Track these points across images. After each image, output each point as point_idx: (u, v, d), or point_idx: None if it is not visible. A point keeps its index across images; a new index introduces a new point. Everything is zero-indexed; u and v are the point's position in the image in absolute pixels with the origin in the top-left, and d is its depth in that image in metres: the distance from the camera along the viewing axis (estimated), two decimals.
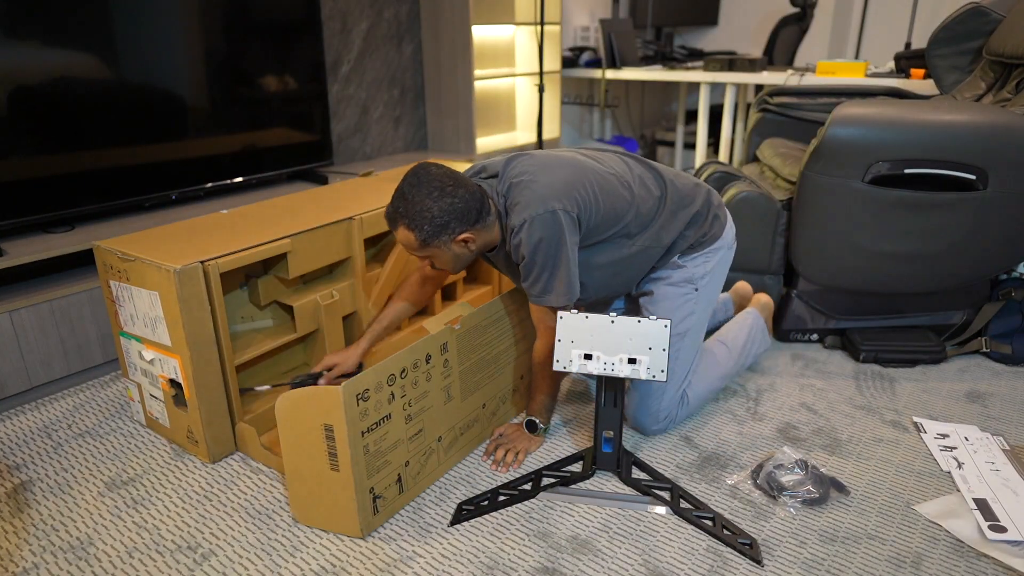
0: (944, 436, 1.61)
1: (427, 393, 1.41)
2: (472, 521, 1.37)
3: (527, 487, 1.45)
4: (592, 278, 1.54)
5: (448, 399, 1.48)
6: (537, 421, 1.59)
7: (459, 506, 1.40)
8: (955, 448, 1.56)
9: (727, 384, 1.79)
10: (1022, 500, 1.37)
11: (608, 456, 1.49)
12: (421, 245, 1.36)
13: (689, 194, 1.58)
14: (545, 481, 1.47)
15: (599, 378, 1.44)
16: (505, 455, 1.55)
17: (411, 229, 1.34)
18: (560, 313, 1.40)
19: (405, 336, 2.00)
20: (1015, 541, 1.26)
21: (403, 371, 1.34)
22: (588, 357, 1.39)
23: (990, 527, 1.29)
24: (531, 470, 1.51)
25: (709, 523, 1.34)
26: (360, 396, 1.24)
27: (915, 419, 1.69)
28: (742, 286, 2.12)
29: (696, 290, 1.62)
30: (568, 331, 1.40)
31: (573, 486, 1.46)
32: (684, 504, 1.40)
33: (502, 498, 1.42)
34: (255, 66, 2.40)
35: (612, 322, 1.39)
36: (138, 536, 1.34)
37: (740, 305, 2.10)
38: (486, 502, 1.41)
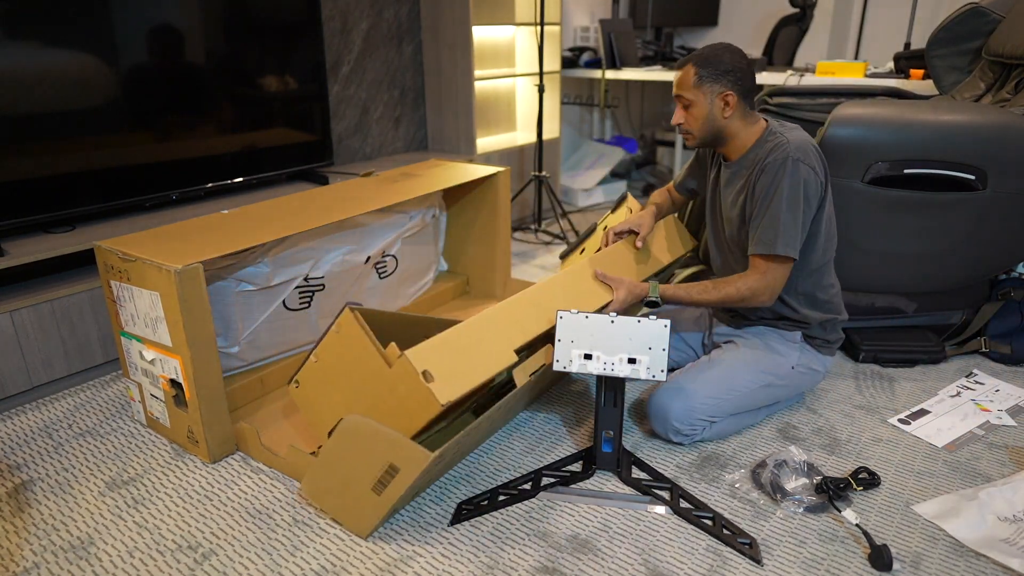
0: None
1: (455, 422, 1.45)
2: (472, 521, 1.37)
3: (527, 487, 1.45)
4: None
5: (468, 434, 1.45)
6: (657, 291, 1.59)
7: (459, 506, 1.40)
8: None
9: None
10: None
11: (608, 456, 1.49)
12: (696, 82, 1.53)
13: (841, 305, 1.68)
14: (545, 481, 1.47)
15: (599, 378, 1.44)
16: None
17: (697, 66, 1.53)
18: (560, 313, 1.40)
19: None
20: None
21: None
22: (588, 357, 1.39)
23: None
24: (531, 470, 1.52)
25: (709, 523, 1.34)
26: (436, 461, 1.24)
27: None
28: None
29: (792, 368, 1.64)
30: (568, 331, 1.40)
31: (573, 486, 1.46)
32: (684, 504, 1.40)
33: (502, 498, 1.42)
34: (255, 66, 2.40)
35: (612, 322, 1.39)
36: (138, 536, 1.34)
37: None
38: (486, 502, 1.41)
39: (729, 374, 1.59)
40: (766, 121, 1.59)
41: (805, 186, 1.47)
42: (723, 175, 1.66)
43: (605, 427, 1.47)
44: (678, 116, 1.60)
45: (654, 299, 1.61)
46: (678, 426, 1.55)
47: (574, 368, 1.40)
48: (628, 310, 1.77)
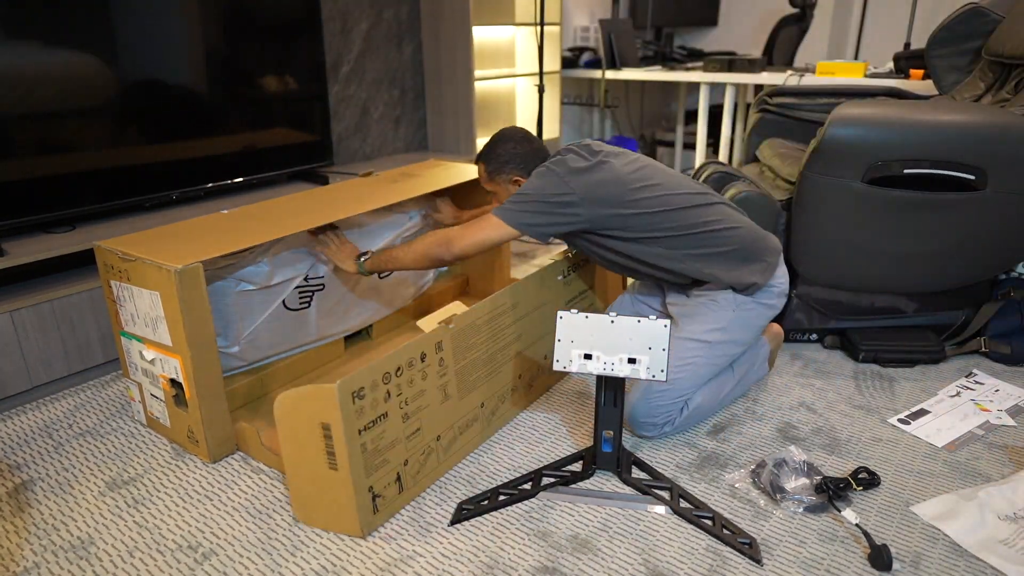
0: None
1: (424, 392, 1.42)
2: (472, 521, 1.37)
3: (527, 487, 1.45)
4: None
5: (445, 398, 1.48)
6: (362, 259, 1.74)
7: (459, 505, 1.40)
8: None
9: (721, 409, 1.76)
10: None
11: (608, 455, 1.49)
12: (487, 178, 1.74)
13: (760, 250, 1.65)
14: (545, 481, 1.48)
15: (599, 378, 1.44)
16: (329, 246, 1.78)
17: (483, 160, 1.74)
18: (560, 313, 1.40)
19: (402, 337, 2.01)
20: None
21: (398, 369, 1.34)
22: (588, 357, 1.39)
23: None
24: (531, 470, 1.52)
25: (709, 522, 1.34)
26: (356, 394, 1.24)
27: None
28: (775, 328, 1.99)
29: (733, 310, 1.64)
30: (568, 330, 1.40)
31: (573, 486, 1.46)
32: (684, 504, 1.40)
33: (502, 497, 1.42)
34: (255, 66, 2.40)
35: (612, 322, 1.39)
36: (139, 536, 1.34)
37: None
38: (486, 501, 1.41)
39: (674, 351, 1.59)
40: None
41: (547, 179, 1.56)
42: None
43: (605, 427, 1.47)
44: (493, 203, 1.79)
45: (363, 259, 1.74)
46: (645, 420, 1.58)
47: (574, 368, 1.40)
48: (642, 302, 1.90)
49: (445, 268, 2.54)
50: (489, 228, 1.58)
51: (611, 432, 1.48)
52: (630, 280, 2.13)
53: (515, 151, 1.69)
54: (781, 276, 1.69)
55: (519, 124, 3.76)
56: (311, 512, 1.35)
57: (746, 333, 1.67)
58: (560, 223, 1.57)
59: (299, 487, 1.33)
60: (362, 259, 1.75)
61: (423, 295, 2.33)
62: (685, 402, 1.62)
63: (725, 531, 1.32)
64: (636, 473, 1.50)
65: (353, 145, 3.05)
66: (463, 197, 2.38)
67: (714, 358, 1.63)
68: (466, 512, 1.38)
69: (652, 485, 1.46)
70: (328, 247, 1.80)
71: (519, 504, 1.42)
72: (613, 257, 1.66)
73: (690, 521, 1.35)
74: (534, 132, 3.42)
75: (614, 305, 1.98)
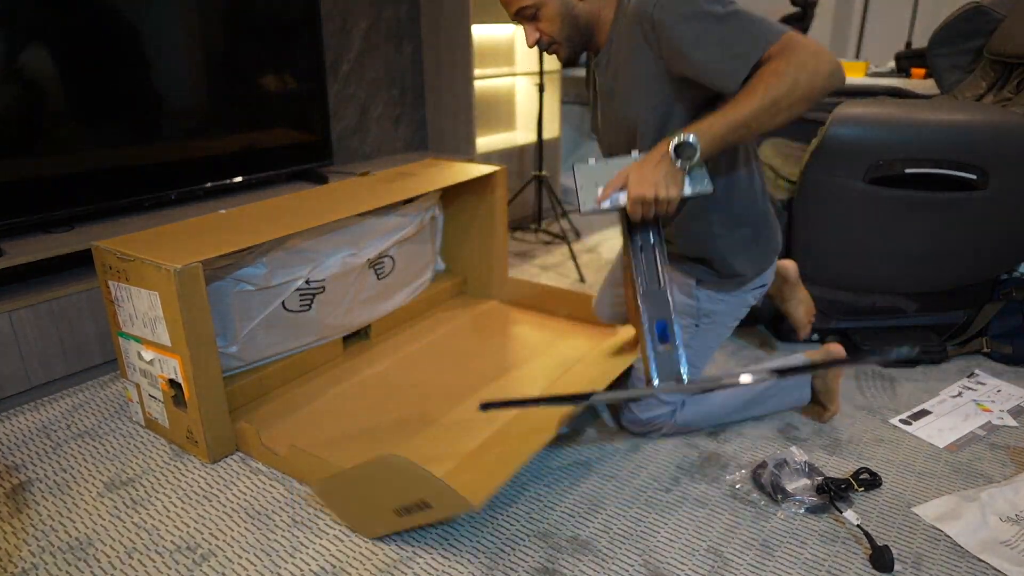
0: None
1: None
2: (472, 521, 1.37)
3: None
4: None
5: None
6: (692, 139, 1.12)
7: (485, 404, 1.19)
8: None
9: (739, 420, 1.67)
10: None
11: (666, 354, 1.16)
12: None
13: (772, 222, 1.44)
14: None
15: (630, 232, 1.17)
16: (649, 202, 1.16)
17: None
18: (574, 165, 1.15)
19: (401, 337, 2.00)
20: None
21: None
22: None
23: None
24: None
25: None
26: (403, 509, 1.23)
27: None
28: (785, 266, 1.76)
29: (696, 326, 1.51)
30: (587, 177, 1.17)
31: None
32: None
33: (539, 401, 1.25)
34: (255, 66, 2.39)
35: (608, 164, 1.19)
36: (137, 536, 1.34)
37: (775, 287, 1.77)
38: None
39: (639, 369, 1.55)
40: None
41: None
42: (600, 78, 1.34)
43: (653, 312, 1.15)
44: (531, 35, 1.31)
45: (679, 139, 1.13)
46: (635, 420, 1.56)
47: (607, 204, 1.12)
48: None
49: (442, 268, 2.53)
50: (799, 40, 1.11)
51: (664, 315, 1.17)
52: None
53: None
54: (768, 275, 1.52)
55: (519, 124, 3.75)
56: (333, 499, 1.34)
57: (715, 341, 1.55)
58: None
59: (345, 486, 1.30)
60: (674, 140, 1.14)
61: (421, 295, 2.32)
62: (673, 411, 1.57)
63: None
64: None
65: (353, 145, 3.05)
66: (463, 197, 2.37)
67: (697, 349, 1.53)
68: (492, 405, 1.19)
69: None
70: (637, 203, 1.16)
71: (519, 504, 1.41)
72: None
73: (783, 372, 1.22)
74: (534, 131, 3.41)
75: (608, 294, 1.84)
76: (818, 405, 1.68)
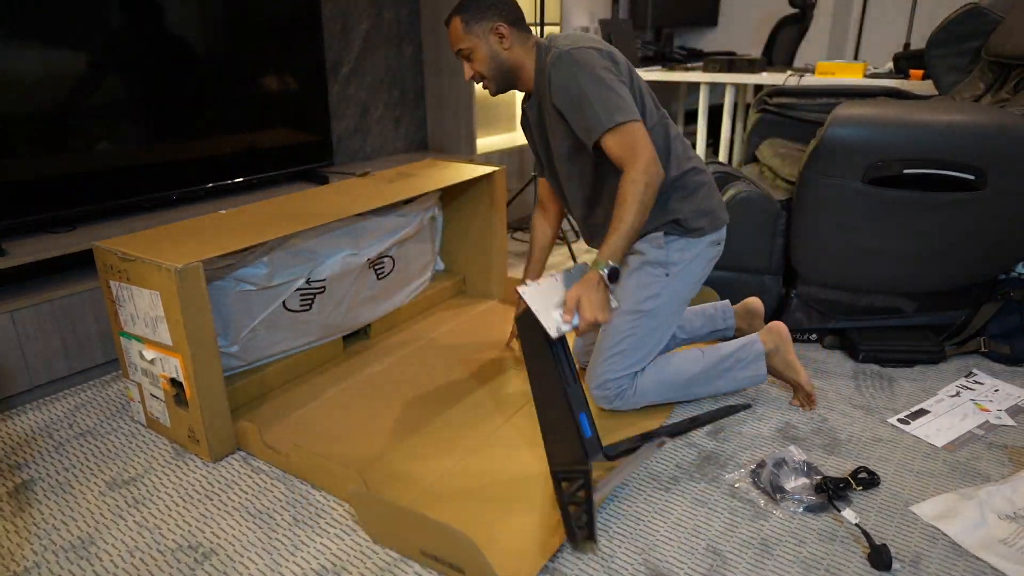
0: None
1: None
2: None
3: None
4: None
5: None
6: (606, 271, 1.41)
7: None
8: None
9: (696, 396, 1.72)
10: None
11: (593, 441, 1.37)
12: (464, 30, 1.56)
13: (706, 176, 1.64)
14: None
15: (554, 349, 1.36)
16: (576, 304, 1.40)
17: (459, 14, 1.56)
18: (519, 289, 1.37)
19: (400, 337, 1.99)
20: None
21: None
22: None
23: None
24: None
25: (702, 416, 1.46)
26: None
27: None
28: (753, 303, 1.92)
29: (667, 275, 1.61)
30: (537, 300, 1.37)
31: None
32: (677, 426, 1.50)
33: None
34: (256, 67, 2.40)
35: (556, 279, 1.42)
36: (139, 535, 1.35)
37: (746, 322, 1.92)
38: None
39: (612, 326, 1.60)
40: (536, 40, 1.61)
41: (592, 61, 1.45)
42: (531, 115, 1.68)
43: (580, 408, 1.34)
44: (467, 71, 1.64)
45: (608, 269, 1.42)
46: (596, 392, 1.62)
47: (567, 328, 1.36)
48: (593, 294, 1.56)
49: (441, 267, 2.54)
50: (637, 138, 1.42)
51: (587, 409, 1.38)
52: None
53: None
54: (722, 232, 1.69)
55: (519, 124, 3.77)
56: (366, 512, 1.34)
57: (684, 290, 1.65)
58: (627, 91, 1.49)
59: (386, 512, 1.29)
60: (603, 271, 1.42)
61: (421, 295, 2.33)
62: (636, 374, 1.62)
63: (718, 412, 1.45)
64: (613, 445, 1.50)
65: (353, 145, 3.05)
66: (462, 197, 2.38)
67: (656, 325, 1.62)
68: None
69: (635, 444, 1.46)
70: (585, 322, 1.40)
71: None
72: (594, 165, 1.58)
73: (686, 430, 1.44)
74: None
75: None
76: (794, 387, 1.75)
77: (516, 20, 1.58)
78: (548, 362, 1.34)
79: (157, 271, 1.43)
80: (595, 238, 1.72)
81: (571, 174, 1.65)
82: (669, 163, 1.59)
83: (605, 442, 1.48)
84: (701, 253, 1.64)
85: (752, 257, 2.10)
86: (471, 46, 1.58)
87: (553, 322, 1.33)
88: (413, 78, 3.24)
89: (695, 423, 1.49)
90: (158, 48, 2.11)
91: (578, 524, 1.24)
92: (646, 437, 1.52)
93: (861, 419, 1.70)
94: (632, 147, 1.43)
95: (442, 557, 1.20)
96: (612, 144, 1.44)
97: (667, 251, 1.61)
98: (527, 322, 1.37)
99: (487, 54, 1.58)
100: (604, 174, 1.59)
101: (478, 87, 3.16)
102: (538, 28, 3.12)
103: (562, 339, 1.40)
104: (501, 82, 1.63)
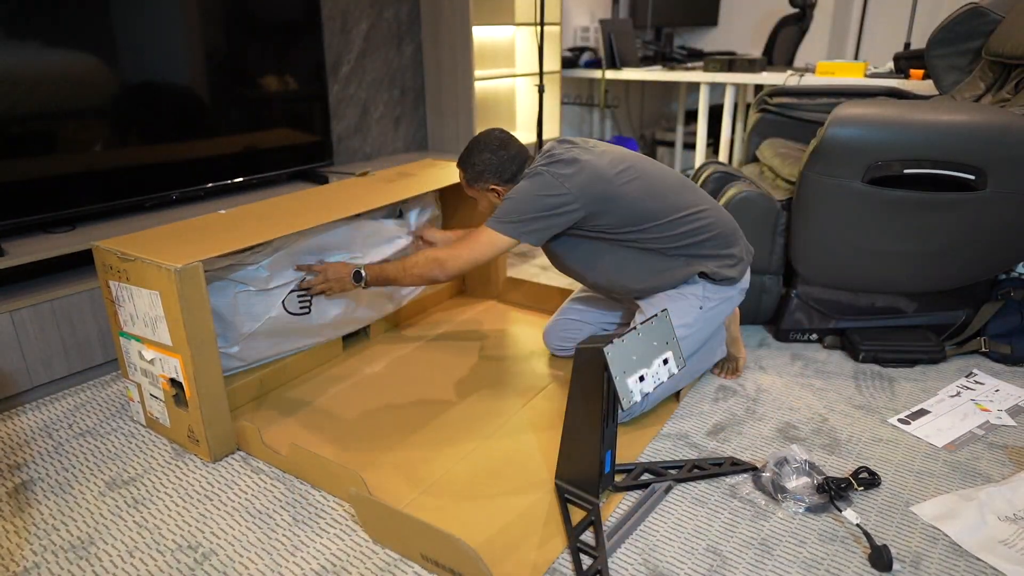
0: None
1: None
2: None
3: None
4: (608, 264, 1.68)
5: None
6: (364, 273, 1.70)
7: None
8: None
9: (678, 387, 1.77)
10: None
11: (608, 476, 1.41)
12: (467, 185, 1.75)
13: (732, 235, 1.71)
14: None
15: (606, 394, 1.31)
16: (320, 281, 1.75)
17: (462, 167, 1.74)
18: (606, 350, 1.26)
19: (399, 337, 1.99)
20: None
21: None
22: (641, 379, 1.32)
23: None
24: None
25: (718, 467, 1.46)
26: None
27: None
28: None
29: (700, 308, 1.68)
30: (618, 363, 1.28)
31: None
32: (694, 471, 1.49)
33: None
34: (255, 66, 2.40)
35: (639, 334, 1.32)
36: (139, 535, 1.34)
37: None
38: None
39: None
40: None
41: (544, 186, 1.57)
42: None
43: (608, 446, 1.39)
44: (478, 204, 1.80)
45: (362, 270, 1.71)
46: (621, 415, 1.66)
47: (638, 398, 1.30)
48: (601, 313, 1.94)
49: None
50: (483, 243, 1.61)
51: (610, 448, 1.40)
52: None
53: (490, 161, 1.68)
54: (748, 275, 1.77)
55: (519, 124, 3.76)
56: (366, 513, 1.34)
57: (708, 329, 1.72)
58: (556, 224, 1.59)
59: (389, 516, 1.28)
60: (362, 276, 1.71)
61: (421, 295, 2.33)
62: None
63: (734, 465, 1.48)
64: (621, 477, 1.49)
65: (353, 145, 3.05)
66: (462, 197, 2.38)
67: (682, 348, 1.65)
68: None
69: (649, 479, 1.45)
70: (319, 282, 1.75)
71: None
72: (589, 261, 1.69)
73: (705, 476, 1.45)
74: (534, 132, 3.43)
75: (560, 324, 1.97)
76: (731, 360, 1.91)
77: (512, 176, 1.70)
78: (596, 400, 1.31)
79: (157, 271, 1.43)
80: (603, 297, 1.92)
81: (564, 266, 1.76)
82: (684, 236, 1.64)
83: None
84: (732, 298, 1.73)
85: (752, 257, 2.09)
86: (474, 196, 1.77)
87: (628, 392, 1.29)
88: (413, 78, 3.24)
89: (702, 473, 1.49)
90: (159, 48, 2.11)
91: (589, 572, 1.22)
92: (642, 468, 1.50)
93: (861, 419, 1.70)
94: (468, 246, 1.61)
95: (443, 562, 1.20)
96: (474, 231, 1.64)
97: (703, 287, 1.69)
98: (588, 357, 1.30)
99: (489, 205, 1.75)
100: (592, 265, 1.70)
101: (478, 86, 3.16)
102: (538, 28, 3.12)
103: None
104: None
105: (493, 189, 1.71)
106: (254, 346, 1.78)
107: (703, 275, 1.68)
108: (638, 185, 1.61)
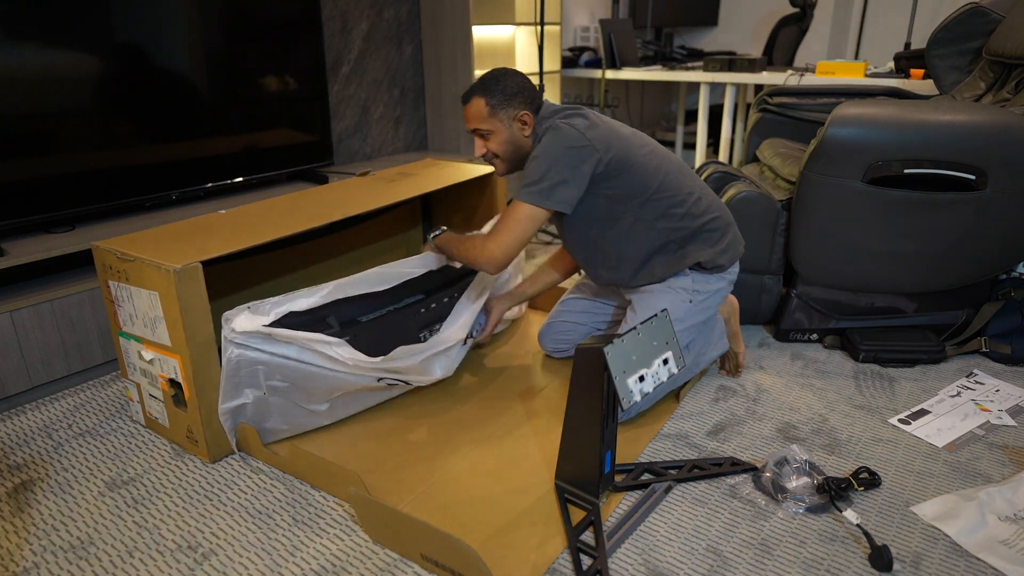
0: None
1: None
2: None
3: None
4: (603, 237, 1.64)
5: None
6: (442, 231, 1.72)
7: None
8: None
9: (676, 384, 1.77)
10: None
11: (608, 476, 1.41)
12: (489, 113, 1.56)
13: (727, 223, 1.70)
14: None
15: (607, 393, 1.32)
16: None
17: (484, 95, 1.56)
18: (606, 350, 1.25)
19: None
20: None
21: None
22: (641, 379, 1.31)
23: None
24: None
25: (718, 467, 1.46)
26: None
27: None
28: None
29: (690, 302, 1.67)
30: (618, 363, 1.28)
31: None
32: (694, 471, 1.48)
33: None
34: (256, 66, 2.40)
35: (639, 334, 1.32)
36: (138, 536, 1.34)
37: (726, 311, 1.95)
38: None
39: None
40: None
41: (569, 138, 1.49)
42: None
43: (608, 446, 1.38)
44: (479, 147, 1.63)
45: (436, 236, 1.73)
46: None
47: (638, 398, 1.29)
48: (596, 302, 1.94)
49: None
50: (521, 219, 1.50)
51: (610, 447, 1.39)
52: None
53: (524, 84, 1.57)
54: (737, 266, 1.76)
55: None
56: (365, 513, 1.33)
57: (700, 317, 1.70)
58: (583, 178, 1.51)
59: (388, 515, 1.28)
60: (432, 236, 1.75)
61: None
62: None
63: (734, 465, 1.47)
64: (621, 477, 1.49)
65: (353, 145, 3.05)
66: (462, 197, 2.38)
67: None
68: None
69: (649, 479, 1.45)
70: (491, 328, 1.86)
71: None
72: (598, 233, 1.64)
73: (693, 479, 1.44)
74: None
75: (554, 327, 1.96)
76: (731, 357, 1.89)
77: (539, 106, 1.61)
78: (596, 400, 1.30)
79: (156, 271, 1.43)
80: (603, 287, 1.87)
81: (566, 239, 1.72)
82: (685, 218, 1.63)
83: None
84: (721, 289, 1.71)
85: (752, 257, 2.09)
86: (491, 128, 1.58)
87: (628, 392, 1.28)
88: (413, 78, 3.24)
89: (702, 473, 1.48)
90: (159, 48, 2.11)
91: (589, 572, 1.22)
92: (642, 468, 1.50)
93: (862, 419, 1.70)
94: (506, 227, 1.52)
95: (443, 563, 1.19)
96: (506, 208, 1.55)
97: (692, 279, 1.67)
98: (588, 357, 1.29)
99: (507, 139, 1.60)
100: (594, 239, 1.66)
101: None
102: (538, 27, 3.12)
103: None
104: (513, 165, 1.67)
105: (522, 119, 1.57)
106: (345, 402, 1.68)
107: (695, 266, 1.66)
108: (651, 156, 1.60)
